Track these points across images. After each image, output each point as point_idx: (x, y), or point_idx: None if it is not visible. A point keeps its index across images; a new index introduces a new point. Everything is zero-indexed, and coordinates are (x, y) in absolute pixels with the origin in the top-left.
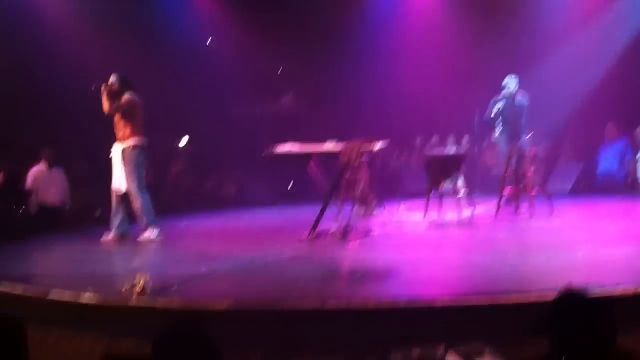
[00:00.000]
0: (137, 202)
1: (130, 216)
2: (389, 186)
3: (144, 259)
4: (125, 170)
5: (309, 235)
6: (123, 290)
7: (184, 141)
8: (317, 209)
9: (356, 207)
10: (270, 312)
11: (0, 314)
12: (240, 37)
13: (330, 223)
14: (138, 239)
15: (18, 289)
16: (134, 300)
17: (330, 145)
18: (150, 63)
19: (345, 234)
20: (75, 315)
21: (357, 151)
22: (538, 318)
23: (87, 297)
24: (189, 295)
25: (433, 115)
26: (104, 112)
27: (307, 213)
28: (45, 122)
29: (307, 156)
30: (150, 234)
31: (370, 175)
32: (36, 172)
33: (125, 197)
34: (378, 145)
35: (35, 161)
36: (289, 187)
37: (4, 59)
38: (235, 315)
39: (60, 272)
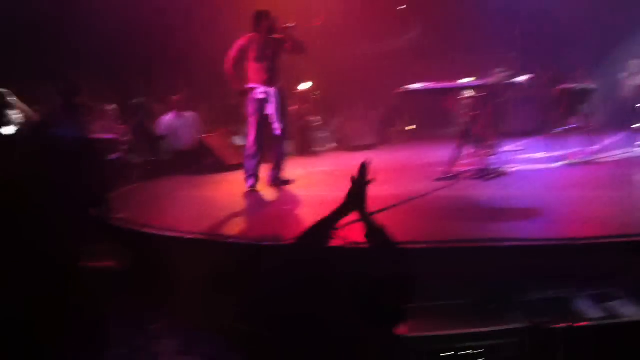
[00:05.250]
0: (285, 144)
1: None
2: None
3: (297, 203)
4: (283, 111)
5: (446, 173)
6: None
7: (306, 86)
8: (443, 147)
9: (480, 144)
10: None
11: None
12: None
13: (464, 161)
14: (283, 181)
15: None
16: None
17: (471, 81)
18: None
19: (483, 172)
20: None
21: (501, 86)
22: None
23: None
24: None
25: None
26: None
27: (435, 151)
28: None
29: (440, 94)
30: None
31: (492, 111)
32: (166, 119)
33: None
34: (523, 79)
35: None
36: (413, 127)
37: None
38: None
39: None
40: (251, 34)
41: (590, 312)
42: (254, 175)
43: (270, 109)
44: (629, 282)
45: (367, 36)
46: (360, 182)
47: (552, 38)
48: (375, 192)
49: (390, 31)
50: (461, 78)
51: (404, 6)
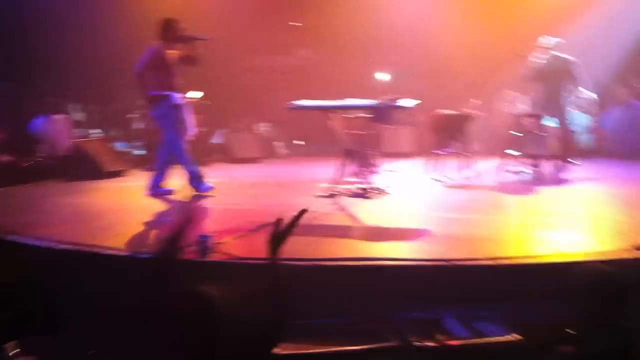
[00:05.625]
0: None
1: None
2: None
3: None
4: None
5: (328, 191)
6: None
7: (196, 95)
8: (326, 164)
9: (363, 163)
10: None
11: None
12: None
13: (346, 180)
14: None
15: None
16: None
17: (359, 102)
18: None
19: (364, 191)
20: None
21: (387, 108)
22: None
23: None
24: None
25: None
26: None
27: (320, 167)
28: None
29: (327, 112)
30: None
31: (376, 132)
32: (42, 120)
33: None
34: (411, 104)
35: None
36: (300, 143)
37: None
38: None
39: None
40: (161, 42)
41: (458, 331)
42: (203, 175)
43: (186, 115)
44: (495, 303)
45: (259, 49)
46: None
47: (436, 66)
48: (257, 207)
49: (284, 46)
50: (349, 98)
51: (300, 24)
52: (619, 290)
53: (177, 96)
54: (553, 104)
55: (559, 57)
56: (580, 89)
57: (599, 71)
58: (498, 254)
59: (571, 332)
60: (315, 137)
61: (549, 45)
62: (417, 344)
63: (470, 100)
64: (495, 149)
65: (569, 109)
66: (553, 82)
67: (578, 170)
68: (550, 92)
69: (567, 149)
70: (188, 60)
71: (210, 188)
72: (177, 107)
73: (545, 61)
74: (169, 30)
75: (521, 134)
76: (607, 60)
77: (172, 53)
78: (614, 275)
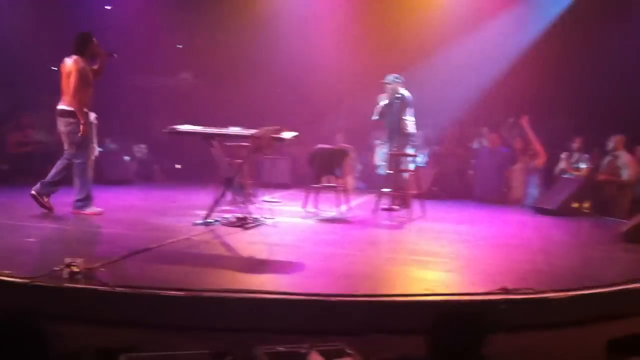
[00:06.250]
0: None
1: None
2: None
3: (43, 236)
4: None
5: (205, 218)
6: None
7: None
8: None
9: (241, 192)
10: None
11: None
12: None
13: (224, 208)
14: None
15: None
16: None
17: (239, 130)
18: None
19: (242, 220)
20: None
21: (268, 139)
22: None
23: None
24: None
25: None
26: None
27: (198, 194)
28: None
29: (207, 139)
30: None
31: (255, 162)
32: None
33: None
34: (289, 135)
35: None
36: (177, 166)
37: None
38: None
39: None
40: (81, 57)
41: None
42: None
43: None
44: (359, 338)
45: (141, 69)
46: None
47: (317, 99)
48: (130, 232)
49: (167, 68)
50: (230, 125)
51: (180, 46)
52: (483, 329)
53: (93, 114)
54: (400, 141)
55: (398, 93)
56: (409, 121)
57: (460, 112)
58: (369, 291)
59: None
60: (194, 162)
61: (389, 82)
62: None
63: (337, 135)
64: (370, 185)
65: (416, 146)
66: (396, 119)
67: (443, 210)
68: (395, 130)
69: (426, 189)
70: (97, 75)
71: (99, 212)
72: (92, 126)
73: (386, 100)
74: (88, 46)
75: (391, 172)
76: (470, 102)
77: (90, 68)
78: (479, 315)
